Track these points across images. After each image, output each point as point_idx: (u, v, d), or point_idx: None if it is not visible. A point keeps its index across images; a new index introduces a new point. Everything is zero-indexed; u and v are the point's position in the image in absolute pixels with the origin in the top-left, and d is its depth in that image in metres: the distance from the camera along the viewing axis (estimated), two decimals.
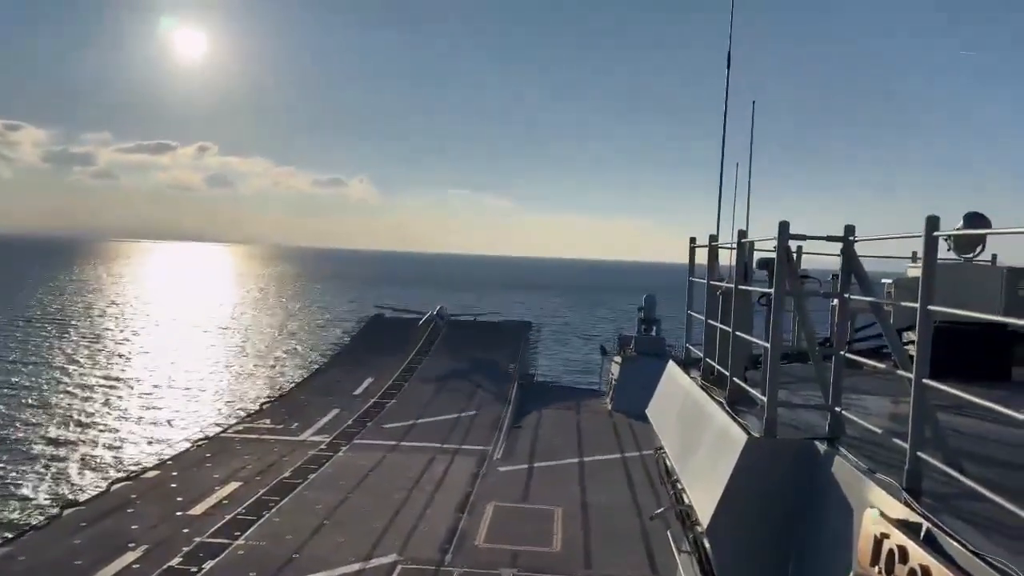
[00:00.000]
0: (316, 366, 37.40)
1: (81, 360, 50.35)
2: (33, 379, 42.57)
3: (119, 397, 39.14)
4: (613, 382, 31.05)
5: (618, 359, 31.79)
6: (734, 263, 7.17)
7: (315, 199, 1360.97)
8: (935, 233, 4.27)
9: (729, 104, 9.34)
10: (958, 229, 8.85)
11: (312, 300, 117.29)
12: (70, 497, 21.43)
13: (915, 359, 4.31)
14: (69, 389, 40.43)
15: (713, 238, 8.66)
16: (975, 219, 9.15)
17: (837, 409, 5.40)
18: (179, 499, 17.37)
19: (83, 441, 30.82)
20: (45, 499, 23.41)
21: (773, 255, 5.78)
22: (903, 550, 3.61)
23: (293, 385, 33.31)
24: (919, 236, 4.32)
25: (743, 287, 6.87)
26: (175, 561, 13.99)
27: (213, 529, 15.61)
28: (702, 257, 8.65)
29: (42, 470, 26.70)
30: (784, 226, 5.63)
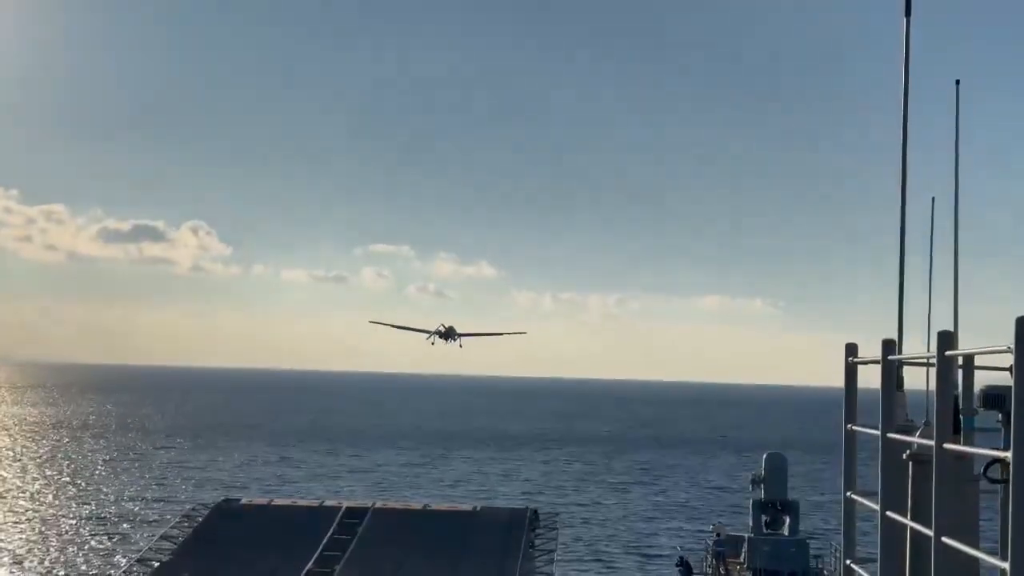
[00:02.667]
0: None
1: None
2: None
3: None
4: None
5: None
6: (933, 394, 6.98)
7: (107, 266, 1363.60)
8: None
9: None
10: None
11: (104, 468, 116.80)
12: None
13: None
14: None
15: (891, 346, 8.59)
16: None
17: None
18: None
19: None
20: None
21: (1012, 384, 5.66)
22: None
23: None
24: None
25: (954, 446, 6.68)
26: None
27: None
28: (868, 379, 8.47)
29: None
30: None
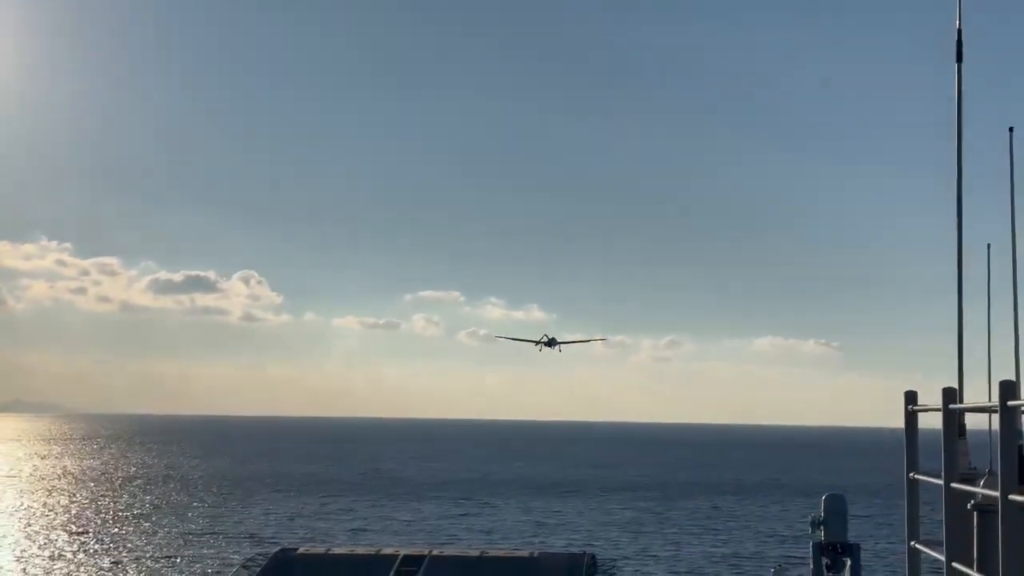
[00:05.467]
0: None
1: None
2: None
3: None
4: None
5: None
6: (999, 444, 6.93)
7: (159, 317, 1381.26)
8: None
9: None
10: None
11: (151, 520, 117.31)
12: None
13: None
14: None
15: (952, 395, 8.49)
16: None
17: None
18: None
19: None
20: None
21: None
22: None
23: None
24: None
25: (1019, 498, 6.62)
26: None
27: None
28: (929, 420, 8.39)
29: None
30: None
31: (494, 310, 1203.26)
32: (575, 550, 44.56)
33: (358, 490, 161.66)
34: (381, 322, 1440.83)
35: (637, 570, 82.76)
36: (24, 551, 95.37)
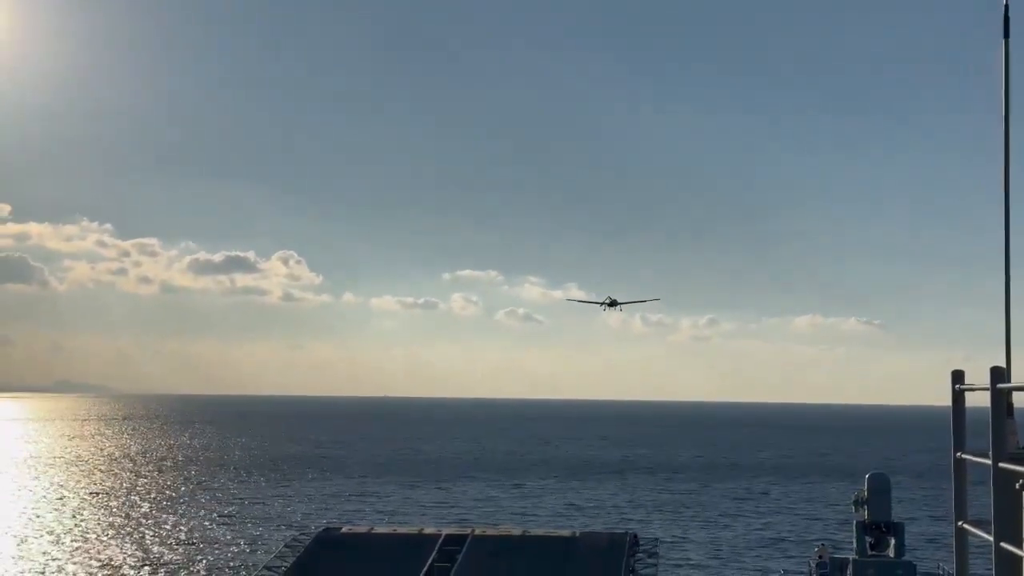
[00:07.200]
0: None
1: None
2: None
3: None
4: None
5: None
6: None
7: (199, 297, 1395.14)
8: None
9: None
10: None
11: (196, 499, 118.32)
12: None
13: None
14: None
15: (999, 374, 8.60)
16: None
17: None
18: None
19: None
20: None
21: None
22: None
23: None
24: None
25: None
26: None
27: None
28: (976, 400, 8.38)
29: None
30: None
31: (533, 289, 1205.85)
32: (616, 528, 44.69)
33: (397, 470, 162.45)
34: (420, 302, 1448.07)
35: (678, 546, 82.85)
36: (64, 529, 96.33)
